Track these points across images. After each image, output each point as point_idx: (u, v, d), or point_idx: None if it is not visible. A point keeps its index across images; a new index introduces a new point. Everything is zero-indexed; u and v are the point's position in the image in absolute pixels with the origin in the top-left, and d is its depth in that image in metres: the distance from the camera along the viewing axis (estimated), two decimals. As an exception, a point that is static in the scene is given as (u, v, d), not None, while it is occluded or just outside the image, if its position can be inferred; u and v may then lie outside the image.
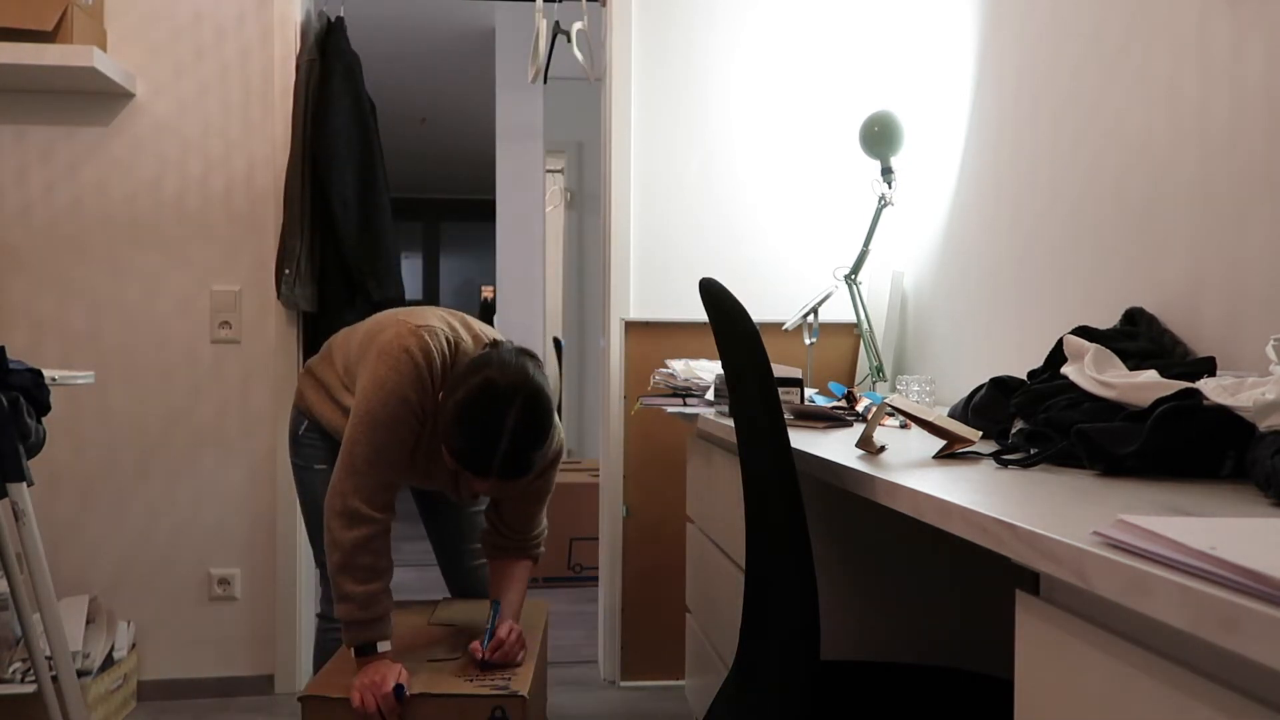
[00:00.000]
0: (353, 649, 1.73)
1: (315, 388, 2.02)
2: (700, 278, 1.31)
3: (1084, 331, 1.50)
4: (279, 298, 2.72)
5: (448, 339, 1.81)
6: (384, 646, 1.73)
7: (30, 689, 2.29)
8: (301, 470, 2.05)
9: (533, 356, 1.78)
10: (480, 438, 1.64)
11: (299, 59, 2.78)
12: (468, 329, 1.89)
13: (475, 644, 1.79)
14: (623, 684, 2.88)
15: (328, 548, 1.75)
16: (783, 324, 2.62)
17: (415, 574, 4.27)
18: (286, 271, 2.71)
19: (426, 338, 1.77)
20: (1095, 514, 0.86)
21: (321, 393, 2.00)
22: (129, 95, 2.74)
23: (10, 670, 2.36)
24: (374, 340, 1.83)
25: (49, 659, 1.98)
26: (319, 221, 2.78)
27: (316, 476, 1.99)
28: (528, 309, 4.58)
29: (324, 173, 2.74)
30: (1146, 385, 1.22)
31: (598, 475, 3.08)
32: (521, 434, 1.65)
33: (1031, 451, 1.21)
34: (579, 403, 5.89)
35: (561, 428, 1.99)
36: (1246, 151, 1.43)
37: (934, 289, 2.55)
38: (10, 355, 1.81)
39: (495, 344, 1.82)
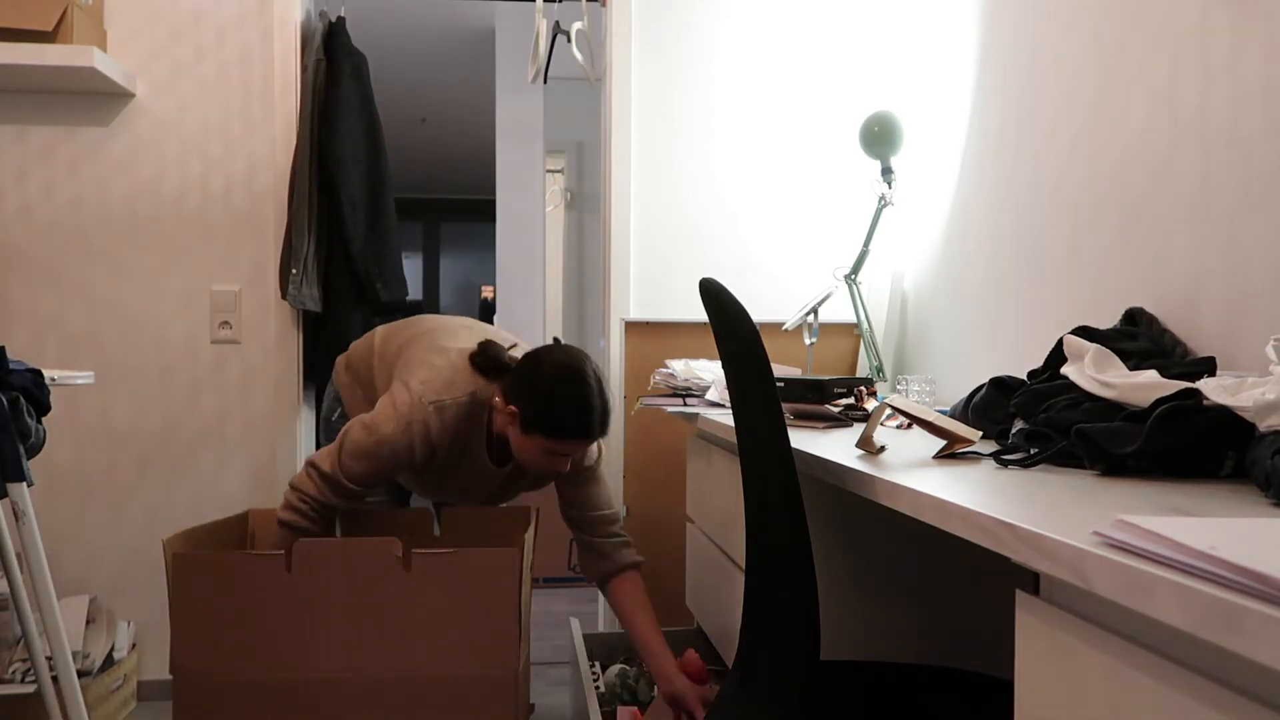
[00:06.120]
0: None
1: (350, 386, 2.20)
2: (700, 278, 1.31)
3: (1084, 331, 1.50)
4: (284, 298, 2.72)
5: (459, 407, 1.95)
6: None
7: (30, 689, 2.29)
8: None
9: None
10: (577, 405, 1.87)
11: (305, 59, 2.78)
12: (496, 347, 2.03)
13: None
14: (623, 684, 2.88)
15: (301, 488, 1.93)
16: (783, 324, 2.62)
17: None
18: (293, 272, 2.69)
19: (434, 414, 1.91)
20: (1095, 514, 0.86)
21: (356, 392, 2.19)
22: (129, 95, 2.74)
23: (10, 670, 2.36)
24: (403, 370, 1.99)
25: (49, 659, 1.98)
26: (326, 222, 2.78)
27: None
28: (528, 309, 4.58)
29: (334, 173, 2.73)
30: (1146, 385, 1.22)
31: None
32: (603, 390, 1.91)
33: (1031, 451, 1.21)
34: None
35: None
36: (1246, 151, 1.43)
37: (934, 289, 2.55)
38: (10, 355, 1.81)
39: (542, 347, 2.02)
